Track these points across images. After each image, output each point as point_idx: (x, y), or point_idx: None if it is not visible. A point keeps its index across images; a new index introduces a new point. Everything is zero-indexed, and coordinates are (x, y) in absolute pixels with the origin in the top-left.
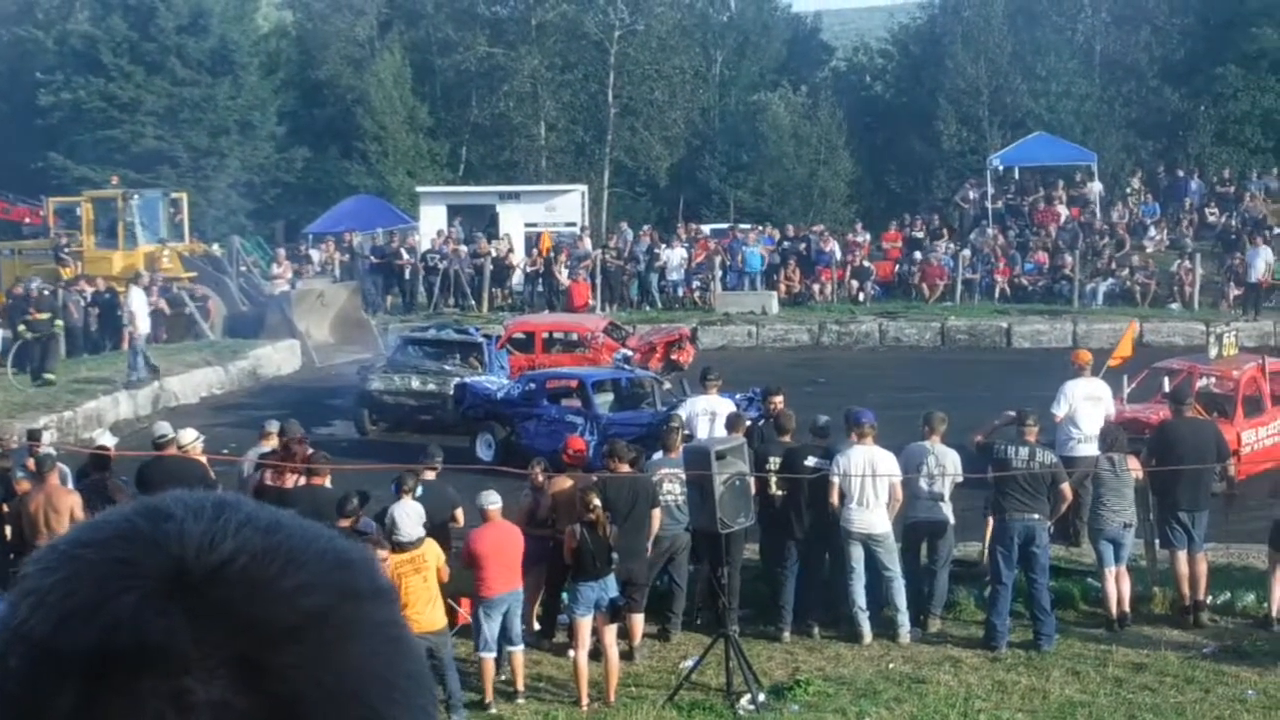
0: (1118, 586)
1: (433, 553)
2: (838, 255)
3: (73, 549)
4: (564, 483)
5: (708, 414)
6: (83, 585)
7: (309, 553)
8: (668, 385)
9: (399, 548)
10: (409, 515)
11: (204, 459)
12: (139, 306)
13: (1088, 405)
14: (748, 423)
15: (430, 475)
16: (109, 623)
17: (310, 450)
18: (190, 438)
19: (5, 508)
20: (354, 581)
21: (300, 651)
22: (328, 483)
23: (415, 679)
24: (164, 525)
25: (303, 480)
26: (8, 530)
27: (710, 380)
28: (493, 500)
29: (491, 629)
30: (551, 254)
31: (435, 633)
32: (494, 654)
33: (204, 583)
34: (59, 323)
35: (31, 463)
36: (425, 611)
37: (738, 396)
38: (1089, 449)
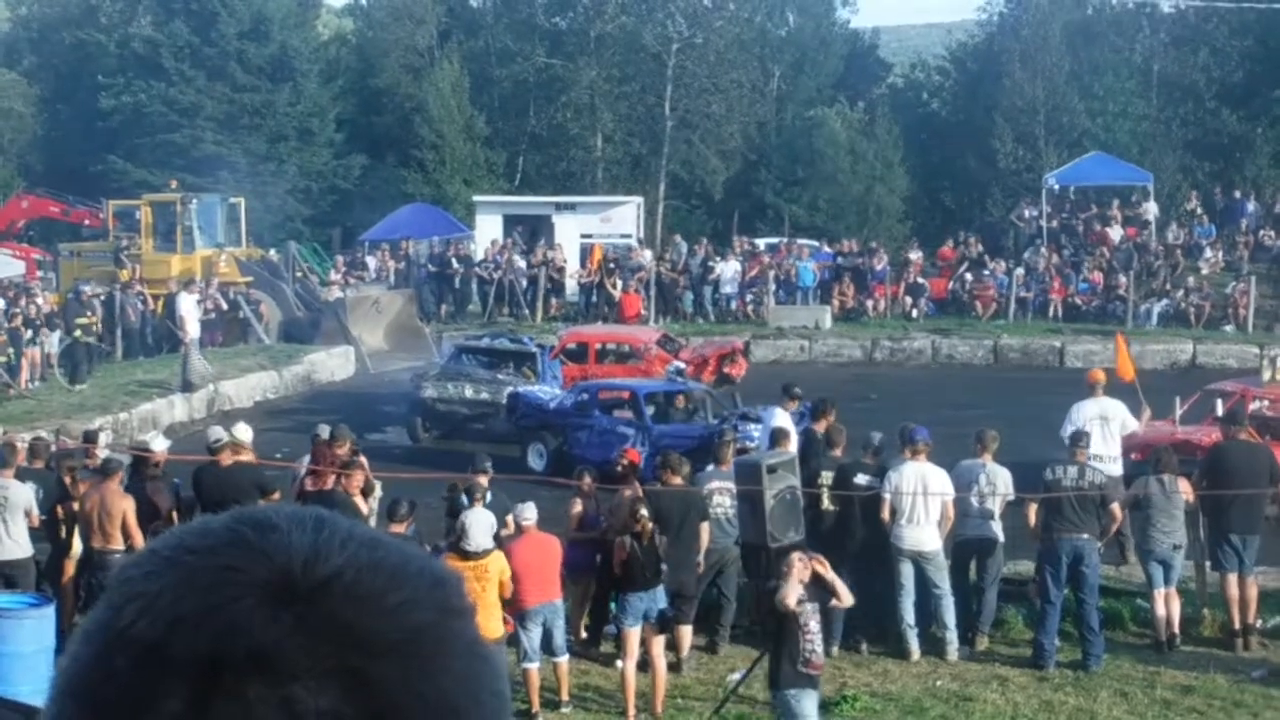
0: (1167, 608)
1: (496, 564)
2: (889, 272)
3: (177, 554)
4: (625, 492)
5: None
6: (193, 590)
7: (409, 569)
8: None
9: (466, 556)
10: (480, 524)
11: (255, 459)
12: (189, 311)
13: (1096, 425)
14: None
15: (481, 483)
16: (222, 628)
17: (358, 455)
18: (246, 434)
19: (60, 510)
20: (449, 599)
21: (403, 665)
22: (377, 492)
23: (500, 697)
24: (270, 536)
25: (340, 483)
26: (62, 531)
27: (793, 396)
28: (528, 514)
29: (532, 640)
30: (604, 267)
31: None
32: (537, 664)
33: (312, 594)
34: (92, 330)
35: (97, 462)
36: (482, 620)
37: (792, 410)
38: (1101, 469)
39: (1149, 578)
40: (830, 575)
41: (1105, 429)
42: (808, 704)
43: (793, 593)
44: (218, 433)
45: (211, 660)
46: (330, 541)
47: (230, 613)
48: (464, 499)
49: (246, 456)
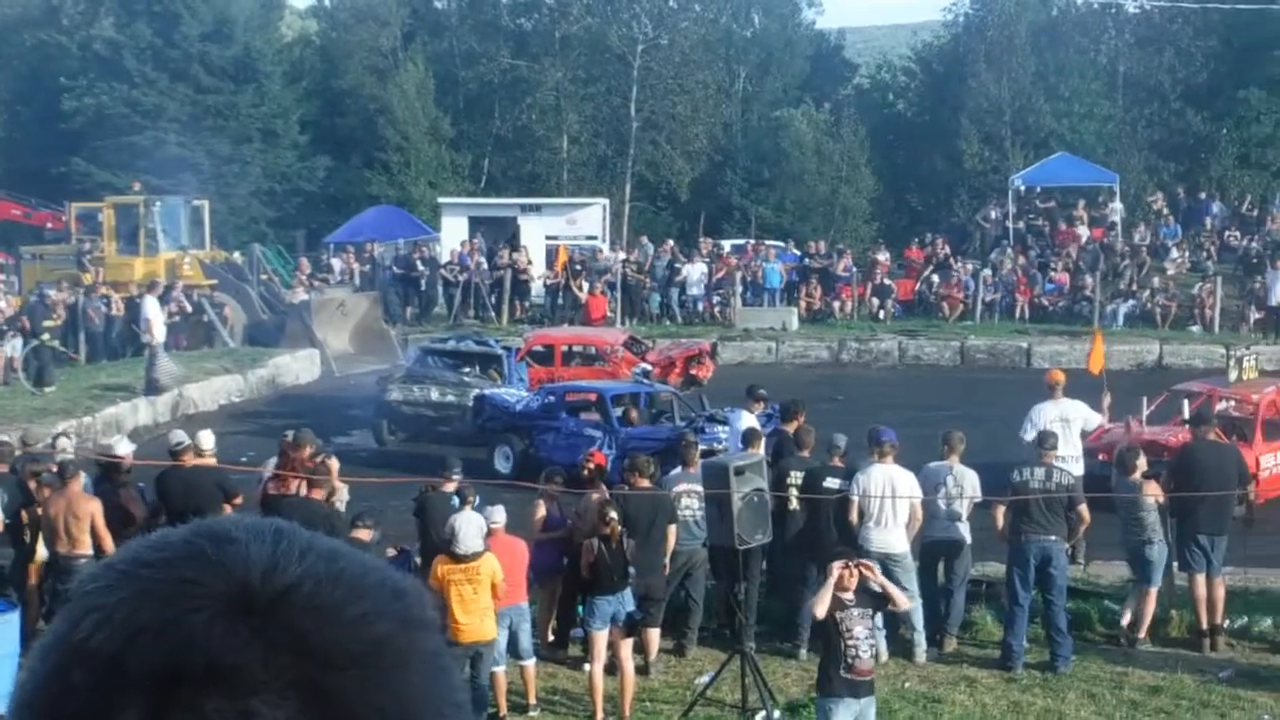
0: (1143, 607)
1: (488, 567)
2: (855, 273)
3: (134, 568)
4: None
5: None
6: (150, 604)
7: (368, 581)
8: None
9: (457, 558)
10: (471, 526)
11: (218, 465)
12: (154, 315)
13: (1056, 427)
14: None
15: (449, 487)
16: (179, 641)
17: (322, 458)
18: (209, 442)
19: (25, 514)
20: (410, 611)
21: (362, 677)
22: (342, 495)
23: (461, 708)
24: (228, 548)
25: (303, 489)
26: (26, 536)
27: (758, 398)
28: (496, 517)
29: (498, 643)
30: (570, 269)
31: (483, 643)
32: (503, 667)
33: (271, 606)
34: (46, 335)
35: (54, 467)
36: (473, 621)
37: (758, 411)
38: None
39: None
40: (880, 580)
41: (1066, 430)
42: (842, 713)
43: (823, 601)
44: (179, 436)
45: (169, 674)
46: (289, 553)
47: (187, 626)
48: (454, 501)
49: (209, 463)
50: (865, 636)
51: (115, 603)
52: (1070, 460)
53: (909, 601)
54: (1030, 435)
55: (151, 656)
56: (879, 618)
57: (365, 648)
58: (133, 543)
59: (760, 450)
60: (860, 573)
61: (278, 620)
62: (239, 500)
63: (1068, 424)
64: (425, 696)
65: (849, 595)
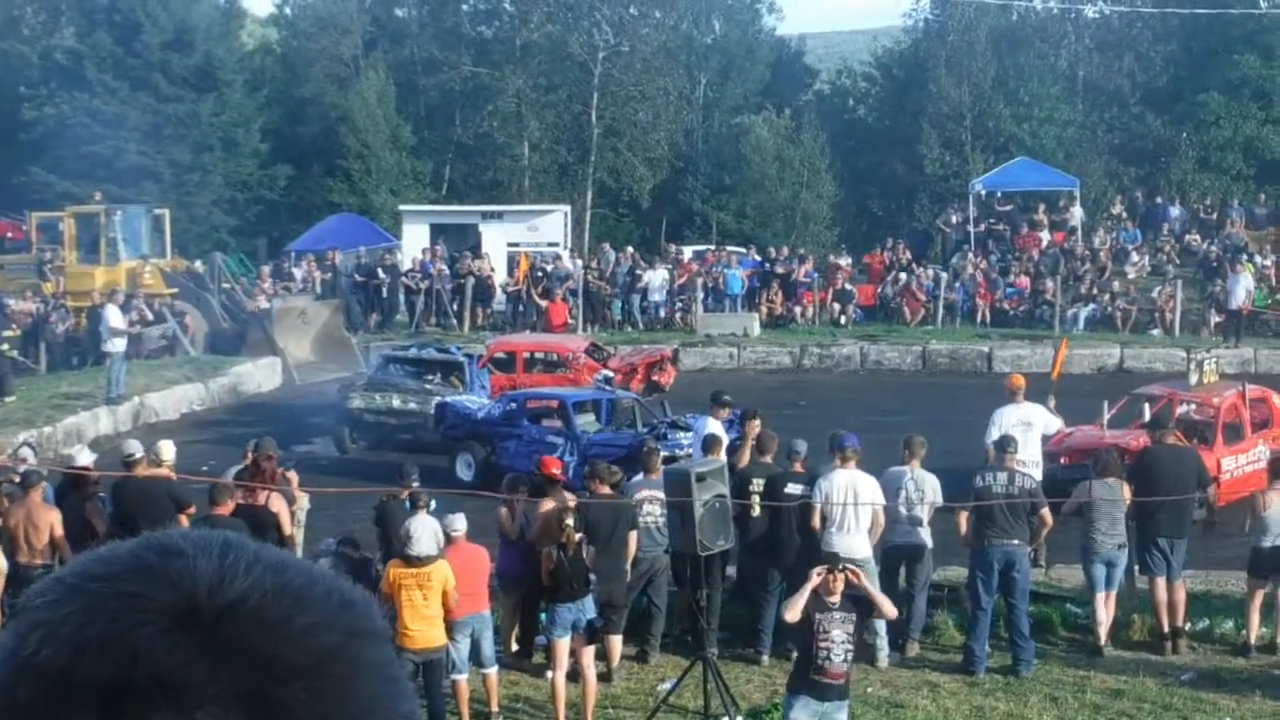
0: (1106, 611)
1: (440, 574)
2: (815, 279)
3: (81, 582)
4: (546, 504)
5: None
6: (96, 618)
7: (315, 592)
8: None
9: (410, 561)
10: (425, 530)
11: (174, 476)
12: (115, 323)
13: (1019, 431)
14: (725, 443)
15: (405, 495)
16: (125, 656)
17: (282, 469)
18: (169, 453)
19: None
20: (358, 622)
21: (309, 689)
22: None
23: (409, 718)
24: (174, 561)
25: (272, 501)
26: None
27: (722, 404)
28: (457, 524)
29: (460, 651)
30: (531, 276)
31: (432, 650)
32: (465, 675)
33: (217, 619)
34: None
35: (16, 477)
36: (423, 629)
37: (723, 418)
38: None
39: (1091, 580)
40: (865, 585)
41: (1028, 434)
42: (800, 710)
43: (795, 606)
44: (133, 446)
45: (116, 688)
46: (235, 566)
47: (134, 639)
48: (406, 505)
49: (165, 474)
50: (841, 641)
51: (62, 617)
52: (1030, 465)
53: (893, 610)
54: (993, 438)
55: (98, 671)
56: (880, 624)
57: (312, 659)
58: (81, 556)
59: (721, 456)
60: (847, 578)
61: (224, 634)
62: (192, 510)
63: (1030, 427)
64: (373, 707)
65: (834, 599)
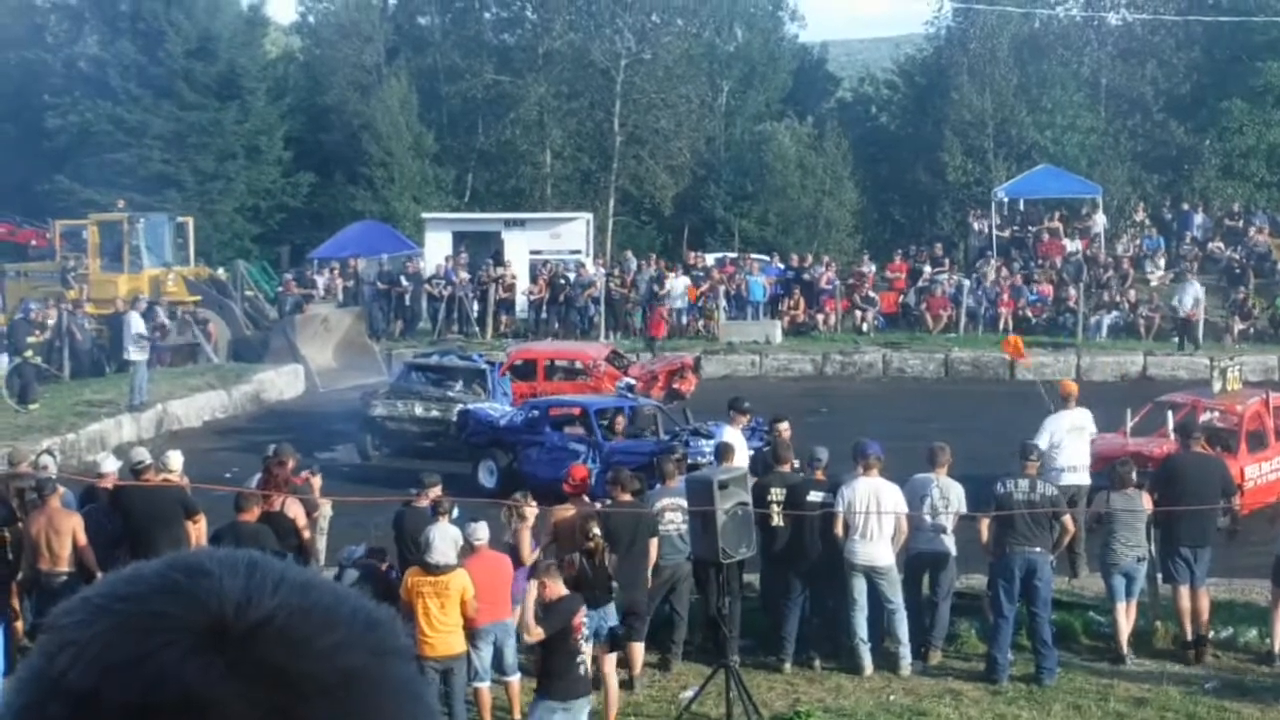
0: (1125, 620)
1: (458, 583)
2: (839, 286)
3: (109, 602)
4: (566, 511)
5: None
6: (124, 638)
7: (342, 612)
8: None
9: (428, 569)
10: (445, 538)
11: (185, 483)
12: (138, 330)
13: (1071, 436)
14: (739, 451)
15: (423, 503)
16: (153, 675)
17: (305, 474)
18: (176, 461)
19: (8, 533)
20: (383, 641)
21: (336, 707)
22: (325, 511)
23: None
24: (201, 581)
25: (289, 506)
26: (9, 554)
27: (741, 410)
28: (480, 533)
29: (482, 659)
30: (556, 281)
31: (452, 657)
32: (488, 683)
33: (244, 639)
34: (30, 352)
35: (32, 485)
36: (441, 636)
37: (742, 425)
38: (1075, 479)
39: (1111, 591)
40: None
41: (1079, 439)
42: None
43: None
44: (141, 453)
45: (144, 708)
46: (262, 585)
47: (161, 660)
48: (429, 512)
49: (176, 481)
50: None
51: (90, 637)
52: (1081, 470)
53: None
54: (1045, 444)
55: (126, 691)
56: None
57: (338, 678)
58: (108, 575)
59: (735, 463)
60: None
61: (251, 653)
62: (200, 518)
63: (1081, 432)
64: None
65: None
